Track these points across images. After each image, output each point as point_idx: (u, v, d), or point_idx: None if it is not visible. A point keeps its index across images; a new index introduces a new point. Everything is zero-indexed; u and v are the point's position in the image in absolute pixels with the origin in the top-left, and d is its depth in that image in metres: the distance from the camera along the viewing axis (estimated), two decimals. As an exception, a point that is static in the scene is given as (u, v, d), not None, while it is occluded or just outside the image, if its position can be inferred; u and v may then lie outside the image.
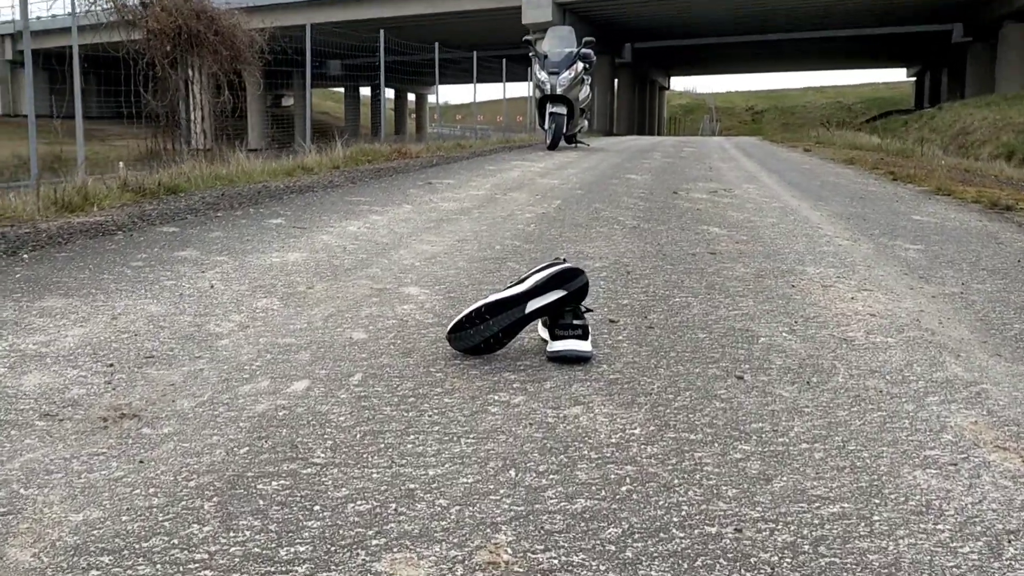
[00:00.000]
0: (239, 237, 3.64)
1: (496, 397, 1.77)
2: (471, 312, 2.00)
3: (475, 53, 16.80)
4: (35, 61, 6.94)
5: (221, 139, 12.61)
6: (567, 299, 2.04)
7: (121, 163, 7.91)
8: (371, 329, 2.25)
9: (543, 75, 10.96)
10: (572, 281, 2.03)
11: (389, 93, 42.33)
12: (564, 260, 2.14)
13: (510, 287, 2.06)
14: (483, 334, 1.99)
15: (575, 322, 2.00)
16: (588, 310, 2.11)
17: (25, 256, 3.14)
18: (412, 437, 1.57)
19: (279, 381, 1.83)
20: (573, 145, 12.08)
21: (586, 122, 12.84)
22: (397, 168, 7.73)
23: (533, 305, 2.01)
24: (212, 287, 2.68)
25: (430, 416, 1.67)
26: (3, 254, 3.17)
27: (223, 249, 3.35)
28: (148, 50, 8.91)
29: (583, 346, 1.99)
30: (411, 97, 55.46)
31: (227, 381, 1.82)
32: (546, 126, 11.09)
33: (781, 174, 7.99)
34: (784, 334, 2.29)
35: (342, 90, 51.60)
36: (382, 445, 1.53)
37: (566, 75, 10.85)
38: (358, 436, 1.56)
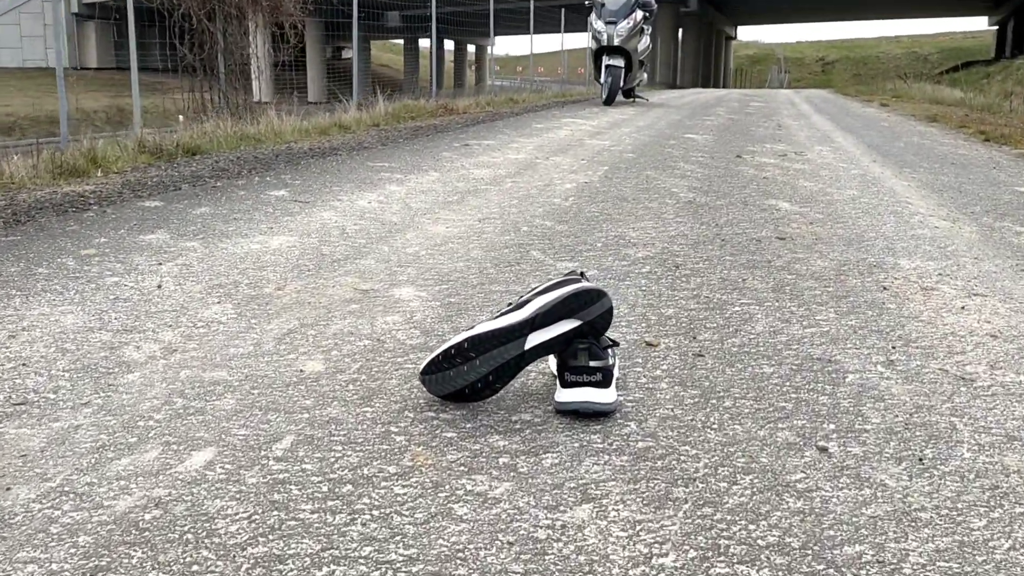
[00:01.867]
0: (226, 215, 3.10)
1: (470, 484, 1.22)
2: (451, 348, 1.43)
3: (532, 2, 16.01)
4: (100, 14, 6.46)
5: (282, 93, 12.06)
6: (582, 332, 1.44)
7: (181, 116, 7.45)
8: (333, 356, 1.69)
9: (599, 25, 10.20)
10: (589, 307, 1.44)
11: (449, 45, 41.60)
12: (582, 275, 1.54)
13: (505, 312, 1.47)
14: (466, 377, 1.42)
15: (592, 364, 1.41)
16: (613, 344, 1.51)
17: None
18: (324, 573, 1.01)
19: (174, 450, 1.30)
20: (631, 100, 11.32)
21: (645, 75, 12.06)
22: (439, 126, 7.14)
23: (535, 340, 1.43)
24: (160, 287, 2.14)
25: (364, 525, 1.13)
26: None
27: (199, 231, 2.82)
28: (183, 1, 8.39)
29: (602, 396, 1.41)
30: (471, 49, 54.70)
31: (102, 450, 1.30)
32: (602, 79, 10.35)
33: (858, 133, 7.21)
34: (879, 368, 1.68)
35: (401, 42, 51.00)
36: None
37: (624, 25, 10.07)
38: (242, 570, 1.00)
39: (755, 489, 1.23)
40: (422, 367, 1.48)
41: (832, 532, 1.13)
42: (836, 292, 2.24)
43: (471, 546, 1.08)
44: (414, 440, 1.36)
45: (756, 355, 1.76)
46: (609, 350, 1.49)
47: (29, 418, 1.40)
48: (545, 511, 1.17)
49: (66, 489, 1.19)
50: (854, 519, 1.16)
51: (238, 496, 1.19)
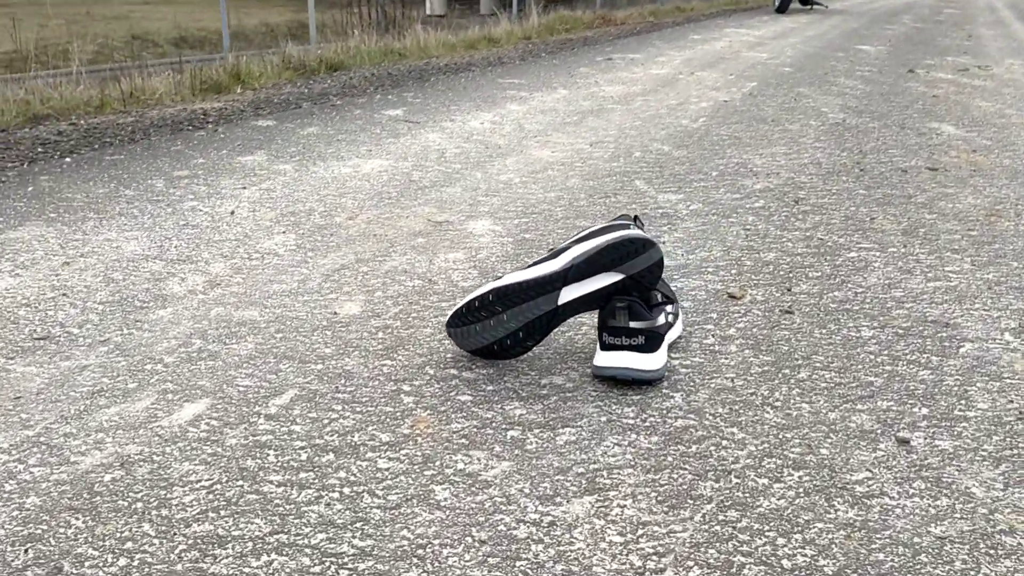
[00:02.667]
0: (331, 136, 3.02)
1: (464, 462, 1.09)
2: (474, 300, 1.27)
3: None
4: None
5: (454, 6, 11.95)
6: (624, 287, 1.24)
7: (356, 31, 7.51)
8: (375, 297, 1.57)
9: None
10: (633, 259, 1.23)
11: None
12: (636, 219, 1.33)
13: (540, 261, 1.28)
14: (493, 333, 1.25)
15: (632, 325, 1.21)
16: (667, 300, 1.30)
17: (68, 160, 2.67)
18: (259, 563, 0.89)
19: (168, 400, 1.23)
20: (808, 7, 10.49)
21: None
22: (590, 39, 6.83)
23: (570, 294, 1.24)
24: (232, 214, 2.07)
25: (328, 506, 1.03)
26: (58, 153, 2.72)
27: (297, 153, 2.74)
28: None
29: (644, 362, 1.21)
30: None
31: (96, 395, 1.24)
32: (775, -16, 9.62)
33: (1063, 44, 6.36)
34: (1006, 337, 1.41)
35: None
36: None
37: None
38: (175, 552, 0.90)
39: (801, 490, 1.02)
40: (448, 318, 1.32)
41: (882, 556, 0.90)
42: (980, 237, 1.91)
43: (436, 542, 0.93)
44: (423, 402, 1.21)
45: (857, 314, 1.50)
46: (662, 308, 1.27)
47: (43, 355, 1.35)
48: (537, 502, 1.00)
49: (41, 440, 1.12)
50: (916, 539, 0.93)
51: (209, 460, 1.08)
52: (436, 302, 1.57)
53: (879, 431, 1.15)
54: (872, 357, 1.35)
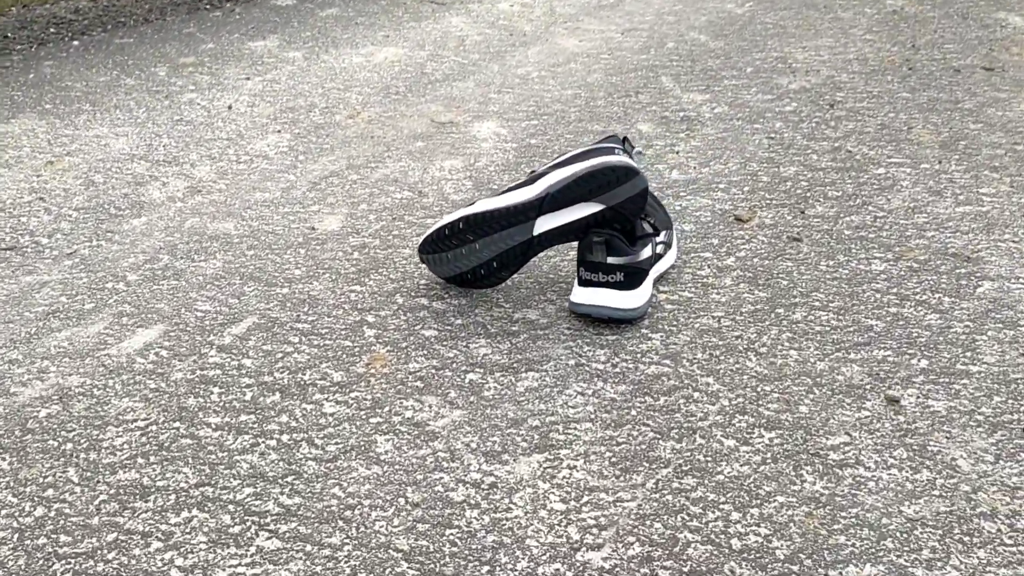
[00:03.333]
0: (350, 19, 2.90)
1: (414, 409, 1.06)
2: (444, 227, 1.18)
3: None
4: None
5: None
6: (604, 218, 1.15)
7: None
8: (358, 211, 1.51)
9: None
10: (614, 188, 1.13)
11: None
12: (624, 140, 1.22)
13: (515, 187, 1.19)
14: (466, 262, 1.18)
15: (610, 261, 1.12)
16: (656, 230, 1.21)
17: (76, 43, 2.61)
18: (178, 520, 0.86)
19: (122, 324, 1.21)
20: None
21: None
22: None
23: (545, 225, 1.16)
24: (229, 108, 1.99)
25: (262, 456, 1.00)
26: (68, 34, 2.64)
27: (312, 38, 2.63)
28: None
29: (622, 300, 1.13)
30: None
31: (50, 317, 1.22)
32: None
33: None
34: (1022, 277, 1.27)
35: None
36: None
37: None
38: (94, 503, 0.88)
39: (770, 455, 0.95)
40: (419, 243, 1.24)
41: (843, 539, 0.83)
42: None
43: (365, 503, 0.88)
44: (384, 337, 1.15)
45: (871, 243, 1.39)
46: (649, 239, 1.18)
47: (7, 268, 1.31)
48: (483, 459, 0.94)
49: (-16, 368, 1.09)
50: (884, 520, 0.85)
51: (151, 396, 1.04)
52: (421, 218, 1.49)
53: (868, 387, 1.06)
54: (878, 296, 1.25)
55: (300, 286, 1.28)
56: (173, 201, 1.55)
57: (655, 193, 1.53)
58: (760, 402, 1.03)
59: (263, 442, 0.97)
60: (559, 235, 1.18)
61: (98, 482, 0.92)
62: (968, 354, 1.12)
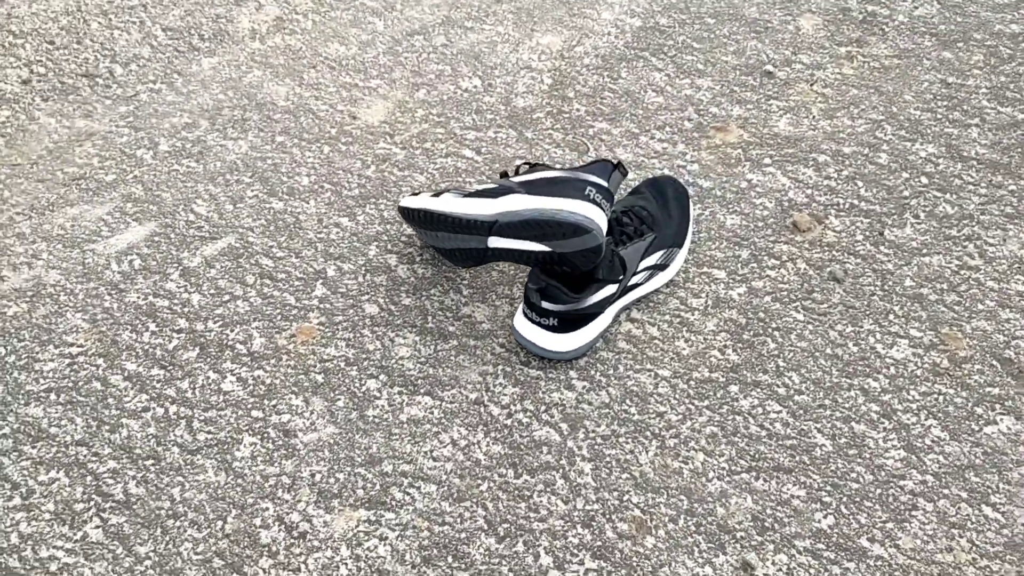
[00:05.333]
0: None
1: (295, 411, 1.14)
2: (407, 208, 1.19)
3: None
4: None
5: None
6: (552, 259, 1.10)
7: None
8: (412, 100, 1.51)
9: None
10: (564, 240, 1.07)
11: None
12: (618, 167, 1.13)
13: (482, 193, 1.15)
14: (432, 242, 1.20)
15: (546, 307, 1.10)
16: (600, 280, 1.15)
17: None
18: (48, 477, 1.06)
19: (122, 212, 1.35)
20: None
21: None
22: None
23: (498, 244, 1.13)
24: None
25: (143, 425, 1.12)
26: None
27: None
28: None
29: (553, 343, 1.12)
30: None
31: (73, 183, 1.38)
32: None
33: None
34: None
35: None
36: None
37: None
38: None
39: None
40: (399, 203, 1.25)
41: None
42: None
43: (190, 516, 1.02)
44: (327, 303, 1.21)
45: (920, 310, 1.22)
46: (605, 283, 1.12)
47: (73, 102, 1.45)
48: (316, 497, 1.03)
49: (-4, 237, 1.27)
50: None
51: (99, 318, 1.19)
52: (462, 129, 1.44)
53: (739, 536, 1.01)
54: (860, 403, 1.12)
55: (296, 203, 1.32)
56: (253, 38, 1.57)
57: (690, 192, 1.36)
58: (614, 516, 1.02)
59: (153, 408, 1.10)
60: (511, 256, 1.14)
61: (9, 412, 1.10)
62: (889, 532, 1.02)
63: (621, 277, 1.11)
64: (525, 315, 1.12)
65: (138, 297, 1.20)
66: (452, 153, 1.38)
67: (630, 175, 1.35)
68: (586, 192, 1.06)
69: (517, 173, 1.17)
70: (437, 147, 1.39)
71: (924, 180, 1.35)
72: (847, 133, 1.42)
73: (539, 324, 1.11)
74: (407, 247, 1.26)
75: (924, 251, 1.26)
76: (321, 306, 1.19)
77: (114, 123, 1.42)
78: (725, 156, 1.38)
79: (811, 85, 1.50)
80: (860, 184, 1.35)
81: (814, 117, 1.44)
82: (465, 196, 1.13)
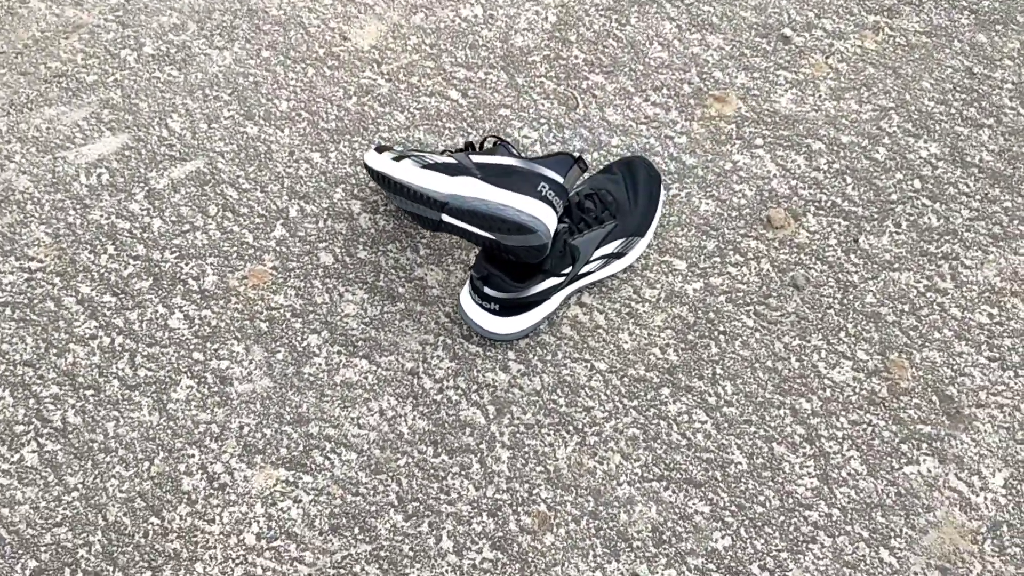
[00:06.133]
0: None
1: (233, 358, 1.18)
2: (368, 166, 1.20)
3: None
4: None
5: None
6: (496, 245, 1.12)
7: None
8: (407, 25, 1.46)
9: None
10: (510, 235, 1.08)
11: None
12: (577, 161, 1.12)
13: (441, 166, 1.15)
14: (397, 203, 1.22)
15: (488, 292, 1.12)
16: (547, 271, 1.16)
17: None
18: None
19: (98, 120, 1.34)
20: None
21: None
22: None
23: (448, 219, 1.14)
24: None
25: (89, 353, 1.17)
26: None
27: None
28: None
29: (494, 325, 1.16)
30: None
31: (61, 78, 1.37)
32: None
33: None
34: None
35: None
36: None
37: None
38: None
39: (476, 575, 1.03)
40: (365, 155, 1.25)
41: None
42: None
43: (120, 452, 1.08)
44: (283, 246, 1.24)
45: (872, 332, 1.22)
46: (547, 276, 1.13)
47: (163, 60, 1.43)
48: (240, 450, 1.09)
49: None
50: None
51: (62, 233, 1.22)
52: (452, 65, 1.41)
53: (636, 546, 1.06)
54: (785, 423, 1.14)
55: (270, 130, 1.32)
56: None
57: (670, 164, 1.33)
58: (520, 509, 1.07)
59: (101, 336, 1.15)
60: (461, 234, 1.14)
61: (-36, 324, 1.15)
62: (782, 562, 1.06)
63: (570, 268, 1.11)
64: (470, 294, 1.13)
65: (101, 216, 1.22)
66: (437, 92, 1.36)
67: (612, 140, 1.31)
68: (539, 188, 1.05)
69: (480, 148, 1.15)
70: (423, 83, 1.36)
71: (917, 184, 1.31)
72: (850, 119, 1.36)
73: (481, 306, 1.12)
74: (373, 195, 1.26)
75: (895, 265, 1.24)
76: (278, 248, 1.20)
77: (103, 15, 1.40)
78: (717, 131, 1.34)
79: (826, 57, 1.43)
80: (849, 181, 1.31)
81: (820, 96, 1.39)
82: (424, 167, 1.12)
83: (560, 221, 1.10)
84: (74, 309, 1.15)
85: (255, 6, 1.43)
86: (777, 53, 1.43)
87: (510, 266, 1.10)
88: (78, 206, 1.23)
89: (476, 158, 1.10)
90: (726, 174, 1.30)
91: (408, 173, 1.12)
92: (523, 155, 1.16)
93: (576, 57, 1.41)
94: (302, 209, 1.24)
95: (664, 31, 1.44)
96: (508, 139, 1.29)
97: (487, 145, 1.25)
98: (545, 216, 1.04)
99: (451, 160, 1.11)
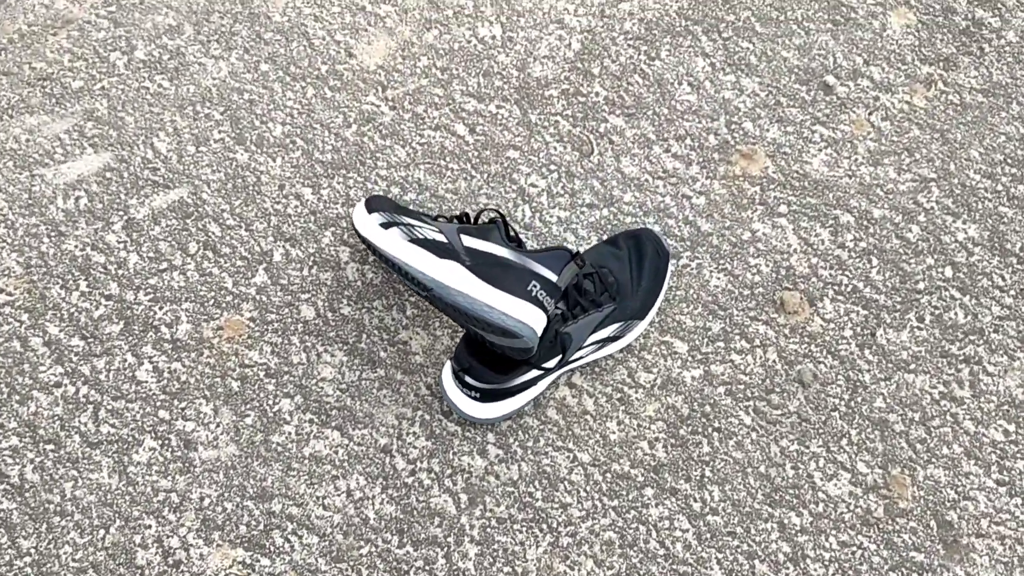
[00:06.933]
0: None
1: (196, 421, 1.13)
2: (362, 236, 1.13)
3: None
4: None
5: None
6: (481, 339, 1.06)
7: None
8: (418, 45, 1.36)
9: None
10: (494, 335, 1.02)
11: None
12: (575, 257, 1.05)
13: (430, 243, 1.08)
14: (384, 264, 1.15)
15: (468, 381, 1.07)
16: (528, 366, 1.10)
17: None
18: None
19: (80, 134, 1.28)
20: None
21: None
22: None
23: (433, 299, 1.08)
24: None
25: (53, 404, 1.13)
26: None
27: None
28: None
29: (474, 409, 1.11)
30: None
31: (37, 86, 1.31)
32: None
33: None
34: None
35: None
36: None
37: None
38: None
39: None
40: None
41: None
42: None
43: (76, 517, 1.06)
44: (264, 295, 1.18)
45: (877, 441, 1.16)
46: (530, 368, 1.08)
47: (155, 67, 1.35)
48: (199, 525, 1.06)
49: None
50: None
51: (34, 263, 1.18)
52: (469, 92, 1.32)
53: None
54: (770, 542, 1.10)
55: (261, 158, 1.25)
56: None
57: (675, 234, 1.25)
58: (481, 615, 1.04)
59: (65, 385, 1.11)
60: (447, 314, 1.08)
61: (-73, 360, 1.11)
62: None
63: (559, 359, 1.05)
64: (452, 373, 1.08)
65: (76, 246, 1.16)
66: (443, 126, 1.27)
67: (625, 196, 1.23)
68: (529, 288, 0.98)
69: (475, 221, 1.07)
70: (430, 114, 1.28)
71: (948, 272, 1.22)
72: (886, 190, 1.27)
73: (462, 391, 1.06)
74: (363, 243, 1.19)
75: (912, 366, 1.16)
76: (257, 297, 1.15)
77: (95, 10, 1.31)
78: (739, 193, 1.25)
79: (869, 113, 1.32)
80: (874, 263, 1.22)
81: (857, 159, 1.29)
82: (411, 241, 1.05)
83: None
84: (40, 351, 1.11)
85: (258, 10, 1.33)
86: (816, 104, 1.32)
87: (493, 358, 1.03)
88: (53, 233, 1.17)
89: (467, 240, 1.02)
90: (743, 245, 1.22)
91: (394, 246, 1.05)
92: (519, 236, 1.08)
93: (597, 94, 1.31)
94: (287, 253, 1.17)
95: (696, 69, 1.33)
96: (505, 215, 1.20)
97: (483, 219, 1.16)
98: (533, 320, 0.97)
99: (441, 238, 1.03)
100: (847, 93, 1.34)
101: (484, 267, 1.00)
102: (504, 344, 1.00)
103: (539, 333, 0.98)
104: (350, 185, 1.23)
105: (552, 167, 1.26)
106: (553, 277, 0.99)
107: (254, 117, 1.26)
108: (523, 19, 1.36)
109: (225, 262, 1.17)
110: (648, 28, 1.37)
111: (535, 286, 0.98)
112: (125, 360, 1.11)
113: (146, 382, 1.10)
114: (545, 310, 0.99)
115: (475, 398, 1.06)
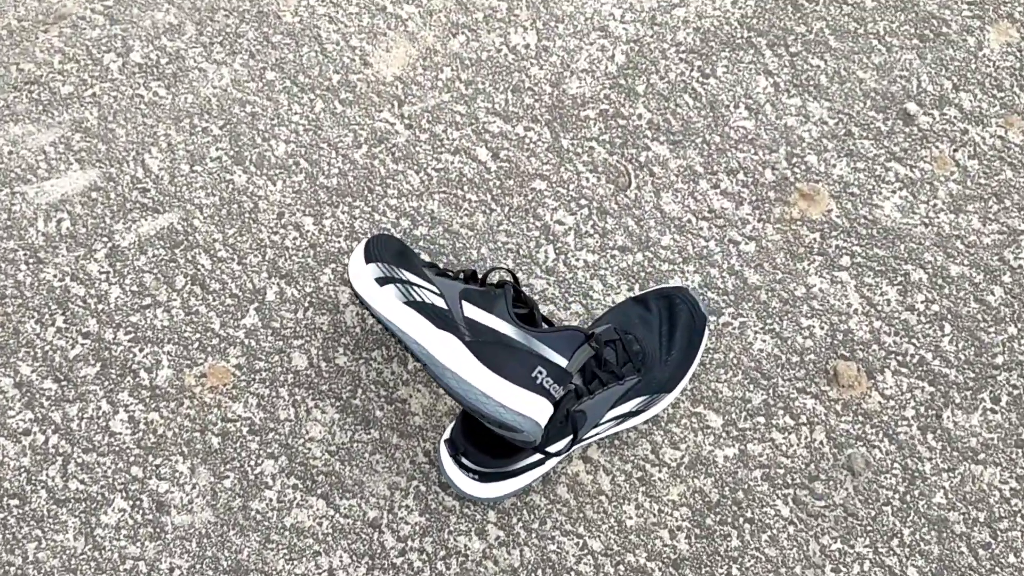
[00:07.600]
0: None
1: (169, 481, 1.04)
2: (355, 293, 1.03)
3: None
4: None
5: None
6: (485, 418, 0.95)
7: None
8: (440, 54, 1.24)
9: None
10: (491, 424, 0.91)
11: None
12: (589, 338, 0.93)
13: (431, 315, 0.97)
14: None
15: (465, 463, 0.96)
16: (533, 449, 0.99)
17: None
18: None
19: (67, 147, 1.18)
20: None
21: None
22: None
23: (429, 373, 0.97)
24: None
25: (28, 451, 1.05)
26: None
27: None
28: None
29: (472, 488, 1.00)
30: None
31: (26, 88, 1.21)
32: None
33: None
34: None
35: None
36: None
37: None
38: None
39: None
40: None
41: None
42: None
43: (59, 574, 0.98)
44: (253, 339, 1.08)
45: (934, 546, 1.02)
46: (532, 453, 0.96)
47: (151, 72, 1.24)
48: None
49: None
50: None
51: (8, 295, 1.10)
52: (495, 110, 1.19)
53: None
54: None
55: (260, 181, 1.14)
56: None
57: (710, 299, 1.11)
58: None
59: (35, 433, 1.03)
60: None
61: None
62: None
63: (568, 440, 0.93)
64: (447, 454, 0.96)
65: (55, 276, 1.07)
66: (463, 150, 1.14)
67: (663, 239, 1.09)
68: (534, 375, 0.85)
69: (483, 282, 0.95)
70: (449, 135, 1.14)
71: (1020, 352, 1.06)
72: (967, 242, 1.10)
73: (459, 469, 0.95)
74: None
75: (980, 456, 1.01)
76: (246, 341, 1.04)
77: (90, 5, 1.20)
78: (795, 239, 1.10)
79: (954, 149, 1.15)
80: (947, 329, 1.06)
81: (936, 204, 1.12)
82: (408, 304, 0.93)
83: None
84: (10, 394, 1.02)
85: (267, 8, 1.20)
86: (893, 136, 1.15)
87: (492, 441, 0.91)
88: (31, 260, 1.07)
89: (469, 310, 0.90)
90: (795, 302, 1.07)
91: (389, 308, 0.93)
92: (531, 300, 0.94)
93: (639, 117, 1.15)
94: (281, 292, 1.06)
95: (756, 90, 1.17)
96: (517, 276, 1.07)
97: (492, 279, 1.03)
98: (536, 412, 0.84)
99: (441, 303, 0.91)
100: (930, 124, 1.16)
101: (484, 346, 0.87)
102: (503, 433, 0.87)
103: (543, 425, 0.85)
104: (355, 215, 1.10)
105: (583, 201, 1.12)
106: (563, 362, 0.86)
107: (255, 133, 1.14)
108: (562, 25, 1.21)
109: (214, 300, 1.06)
110: (704, 39, 1.20)
111: (541, 372, 0.85)
112: (99, 408, 1.02)
113: (120, 434, 1.01)
114: (551, 398, 0.86)
115: (474, 478, 0.95)
